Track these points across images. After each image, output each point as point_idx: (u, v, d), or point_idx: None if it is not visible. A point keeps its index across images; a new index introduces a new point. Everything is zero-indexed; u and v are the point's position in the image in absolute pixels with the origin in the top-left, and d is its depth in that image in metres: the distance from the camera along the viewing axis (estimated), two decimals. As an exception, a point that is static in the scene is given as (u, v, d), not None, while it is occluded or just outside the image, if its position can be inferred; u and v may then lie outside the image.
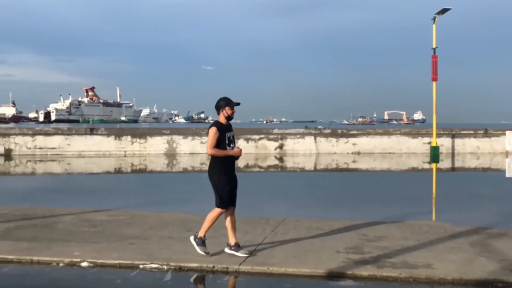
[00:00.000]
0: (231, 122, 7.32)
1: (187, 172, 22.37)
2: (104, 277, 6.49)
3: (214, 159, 7.12)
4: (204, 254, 7.04)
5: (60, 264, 6.89)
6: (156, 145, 30.09)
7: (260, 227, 9.06)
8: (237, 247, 7.18)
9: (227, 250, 7.21)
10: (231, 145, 7.13)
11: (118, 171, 23.45)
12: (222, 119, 7.16)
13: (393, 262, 6.78)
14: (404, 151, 31.01)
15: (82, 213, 10.42)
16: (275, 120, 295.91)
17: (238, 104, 7.25)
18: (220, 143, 7.03)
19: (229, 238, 7.26)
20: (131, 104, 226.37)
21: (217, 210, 7.14)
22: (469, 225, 9.29)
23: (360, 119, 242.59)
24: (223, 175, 7.08)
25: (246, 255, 7.04)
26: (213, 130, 7.01)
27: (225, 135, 7.05)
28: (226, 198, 7.12)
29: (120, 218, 9.92)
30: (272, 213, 10.65)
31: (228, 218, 7.25)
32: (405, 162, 27.31)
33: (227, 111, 7.13)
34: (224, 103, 7.15)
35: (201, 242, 7.15)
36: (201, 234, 7.18)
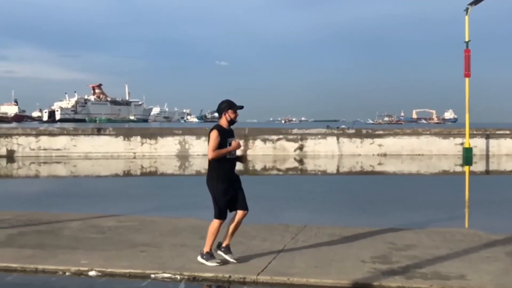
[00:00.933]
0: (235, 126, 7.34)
1: (201, 175, 22.41)
2: (113, 287, 6.53)
3: (212, 165, 7.16)
4: (217, 264, 7.04)
5: (67, 273, 6.94)
6: (167, 146, 30.22)
7: (279, 234, 9.06)
8: (227, 249, 7.27)
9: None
10: (232, 151, 7.15)
11: (127, 174, 23.60)
12: (224, 122, 7.21)
13: (424, 273, 6.73)
14: (434, 152, 30.81)
15: (89, 218, 10.50)
16: (294, 119, 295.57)
17: (241, 107, 7.30)
18: (220, 148, 7.07)
19: (224, 238, 7.31)
20: (140, 103, 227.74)
21: (216, 222, 7.17)
22: (505, 233, 9.21)
23: (386, 118, 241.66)
24: (221, 183, 7.09)
25: (235, 261, 7.12)
26: (214, 134, 7.05)
27: (226, 140, 7.10)
28: (224, 208, 7.15)
29: (129, 224, 9.97)
30: (292, 220, 10.64)
31: (234, 223, 7.28)
32: (436, 164, 27.15)
33: (229, 114, 7.18)
34: (226, 105, 7.20)
35: (209, 256, 7.16)
36: (205, 249, 7.20)
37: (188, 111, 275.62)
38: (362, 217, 11.39)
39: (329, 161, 28.35)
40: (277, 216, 11.50)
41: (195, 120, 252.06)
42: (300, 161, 28.05)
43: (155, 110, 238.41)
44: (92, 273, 6.89)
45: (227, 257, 7.19)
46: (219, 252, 7.26)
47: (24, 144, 29.77)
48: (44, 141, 29.97)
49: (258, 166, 25.97)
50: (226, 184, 7.09)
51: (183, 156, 29.59)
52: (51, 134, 30.73)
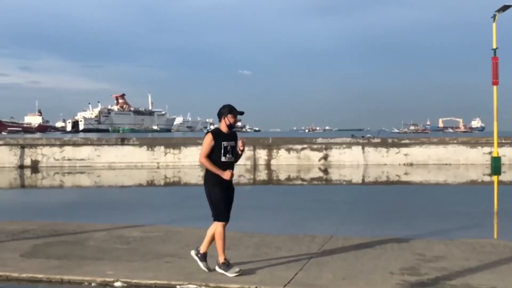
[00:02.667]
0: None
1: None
2: (139, 298, 6.57)
3: (208, 170, 7.21)
4: (235, 274, 7.03)
5: (92, 284, 7.00)
6: (191, 156, 30.30)
7: (305, 245, 9.02)
8: (204, 257, 7.35)
9: (192, 252, 7.46)
10: (227, 155, 7.19)
11: (151, 184, 23.73)
12: (223, 126, 7.28)
13: (454, 285, 6.66)
14: (461, 162, 30.51)
15: (114, 229, 10.57)
16: (318, 128, 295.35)
17: (242, 113, 7.38)
18: (214, 152, 7.13)
19: (202, 244, 7.40)
20: (163, 112, 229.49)
21: (218, 225, 7.21)
22: (538, 245, 9.06)
23: (412, 127, 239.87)
24: (216, 185, 7.14)
25: (206, 269, 7.23)
26: (208, 138, 7.15)
27: (221, 144, 7.13)
28: (223, 209, 7.19)
29: (154, 234, 10.02)
30: (317, 230, 10.59)
31: (213, 230, 7.33)
32: (463, 174, 26.86)
33: (229, 119, 7.24)
34: (227, 110, 7.28)
35: (226, 266, 7.17)
36: (221, 259, 7.22)
37: (211, 120, 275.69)
38: (389, 228, 11.28)
39: (355, 170, 28.21)
40: (303, 226, 11.46)
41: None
42: (325, 171, 27.96)
43: (178, 120, 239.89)
44: (117, 284, 6.93)
45: (201, 264, 7.31)
46: (194, 257, 7.38)
47: (48, 155, 30.10)
48: (68, 151, 30.29)
49: (283, 176, 25.95)
50: (222, 187, 7.15)
51: (206, 166, 29.67)
52: (75, 144, 31.06)
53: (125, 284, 6.91)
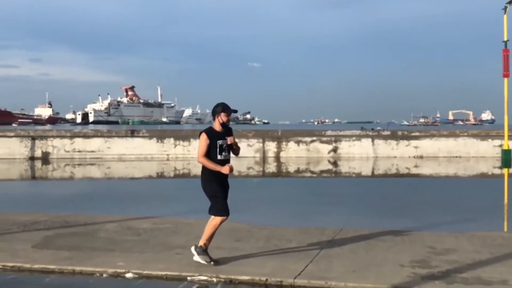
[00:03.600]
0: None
1: (233, 178, 22.47)
2: (151, 289, 6.60)
3: (205, 167, 7.31)
4: (204, 261, 7.19)
5: (104, 275, 7.03)
6: (200, 148, 30.35)
7: (315, 237, 9.02)
8: (202, 250, 7.36)
9: (192, 249, 7.42)
10: (223, 153, 7.29)
11: (161, 176, 23.80)
12: (216, 125, 7.38)
13: (464, 278, 6.65)
14: (472, 154, 30.37)
15: (124, 220, 10.61)
16: (327, 121, 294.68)
17: (235, 111, 7.51)
18: (210, 151, 7.23)
19: (201, 238, 7.42)
20: (172, 104, 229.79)
21: (218, 219, 7.27)
22: (549, 238, 9.03)
23: (422, 120, 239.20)
24: (214, 182, 7.24)
25: (206, 262, 7.20)
26: (203, 137, 7.27)
27: (216, 143, 7.24)
28: (223, 204, 7.26)
29: (164, 226, 10.05)
30: (327, 223, 10.59)
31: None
32: (473, 167, 26.76)
33: (222, 117, 7.34)
34: (220, 109, 7.39)
35: (202, 250, 7.31)
36: (201, 243, 7.36)
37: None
38: (399, 221, 11.26)
39: (364, 163, 28.16)
40: (313, 219, 11.46)
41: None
42: (334, 163, 27.92)
43: (187, 112, 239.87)
44: (129, 275, 6.96)
45: (197, 256, 7.33)
46: (193, 252, 7.40)
47: (59, 146, 30.20)
48: (79, 143, 30.38)
49: (292, 168, 25.95)
50: (218, 183, 7.25)
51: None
52: (86, 136, 31.15)
53: (136, 275, 6.95)
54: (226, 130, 7.41)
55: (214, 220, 7.28)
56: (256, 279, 6.68)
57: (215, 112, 7.40)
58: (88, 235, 9.19)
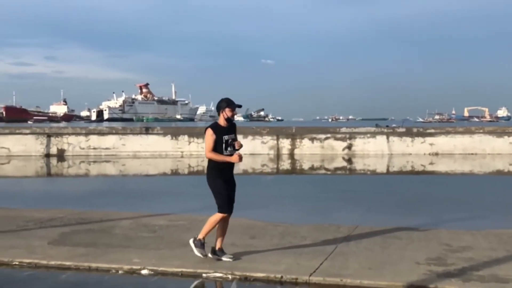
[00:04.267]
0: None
1: (248, 174, 22.48)
2: (166, 286, 6.64)
3: (210, 163, 7.41)
4: (200, 255, 7.32)
5: (119, 272, 7.08)
6: (215, 145, 30.36)
7: (330, 235, 9.01)
8: (221, 252, 7.48)
9: (209, 255, 7.46)
10: (229, 148, 7.35)
11: (175, 173, 23.86)
12: (221, 120, 7.43)
13: (481, 275, 6.61)
14: (488, 151, 30.11)
15: (139, 217, 10.66)
16: (341, 117, 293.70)
17: (239, 106, 7.56)
18: (216, 146, 7.28)
19: (201, 232, 7.52)
20: (186, 102, 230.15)
21: (218, 216, 7.39)
22: None
23: (437, 117, 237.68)
24: (219, 179, 7.33)
25: (231, 259, 7.33)
26: (209, 133, 7.31)
27: (222, 138, 7.30)
28: (226, 202, 7.36)
29: (179, 223, 10.08)
30: (342, 220, 10.57)
31: (221, 223, 7.50)
32: (489, 164, 26.55)
33: (227, 112, 7.39)
34: (224, 104, 7.43)
35: (200, 244, 7.41)
36: (200, 236, 7.46)
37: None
38: (415, 218, 11.20)
39: (379, 160, 28.05)
40: (328, 216, 11.43)
41: (241, 119, 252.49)
42: (349, 161, 27.83)
43: (201, 109, 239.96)
44: (144, 271, 7.00)
45: (224, 258, 7.40)
46: (215, 257, 7.43)
47: (74, 143, 30.33)
48: (94, 140, 30.50)
49: (306, 166, 25.90)
50: (223, 180, 7.35)
51: (230, 155, 29.69)
52: (100, 133, 31.29)
53: (152, 272, 6.98)
54: (231, 126, 7.47)
55: (215, 216, 7.40)
56: (271, 276, 6.69)
57: (219, 108, 7.45)
58: (104, 232, 9.25)
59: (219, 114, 7.46)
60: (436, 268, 6.93)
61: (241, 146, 7.43)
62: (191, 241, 7.49)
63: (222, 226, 7.55)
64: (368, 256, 7.59)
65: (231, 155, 7.35)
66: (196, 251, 7.37)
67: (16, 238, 8.75)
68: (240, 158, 7.29)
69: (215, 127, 7.37)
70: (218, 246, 7.52)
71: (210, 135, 7.28)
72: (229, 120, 7.43)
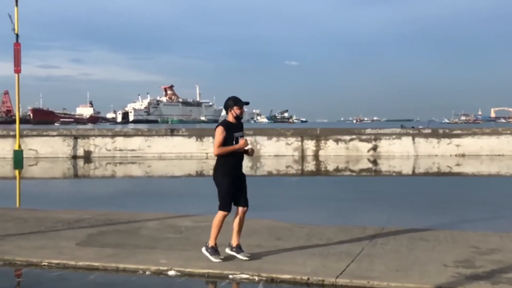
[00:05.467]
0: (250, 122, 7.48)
1: (273, 176, 22.51)
2: (193, 287, 6.65)
3: (218, 161, 7.51)
4: (217, 260, 7.31)
5: (147, 272, 7.12)
6: (239, 146, 30.37)
7: (356, 236, 8.96)
8: (238, 249, 7.52)
9: (227, 250, 7.55)
10: (238, 149, 7.43)
11: (200, 174, 23.94)
12: (230, 118, 7.54)
13: (510, 278, 6.52)
14: (515, 153, 29.72)
15: (166, 218, 10.71)
16: (366, 119, 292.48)
17: (247, 103, 7.62)
18: (227, 143, 7.37)
19: (232, 238, 7.59)
20: (211, 103, 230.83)
21: (220, 214, 7.47)
22: None
23: (463, 117, 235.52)
24: (227, 177, 7.41)
25: (247, 258, 7.36)
26: (219, 130, 7.38)
27: (232, 135, 7.40)
28: (228, 201, 7.44)
29: (205, 224, 10.08)
30: (368, 221, 10.51)
31: (237, 219, 7.58)
32: (517, 165, 26.21)
33: (235, 110, 7.49)
34: (232, 102, 7.53)
35: (213, 250, 7.45)
36: (211, 243, 7.49)
37: (257, 111, 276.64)
38: (442, 220, 11.12)
39: (405, 162, 27.85)
40: (353, 217, 11.40)
41: (265, 120, 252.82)
42: (374, 162, 27.68)
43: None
44: (171, 272, 7.03)
45: (239, 256, 7.45)
46: (231, 253, 7.53)
47: (100, 145, 30.63)
48: (120, 142, 30.77)
49: (331, 167, 25.83)
50: (231, 178, 7.42)
51: (254, 157, 29.64)
52: (126, 135, 31.55)
53: (179, 273, 7.01)
54: (239, 123, 7.58)
55: (217, 217, 7.49)
56: (298, 278, 6.67)
57: (227, 106, 7.56)
58: (131, 233, 9.31)
59: (227, 113, 7.58)
60: (464, 271, 6.85)
61: (247, 145, 7.50)
62: (204, 250, 7.52)
63: (238, 223, 7.60)
64: (395, 258, 7.53)
65: (240, 153, 7.50)
66: (212, 259, 7.37)
67: (44, 239, 8.85)
68: (246, 142, 7.42)
69: (226, 124, 7.46)
70: (235, 242, 7.57)
71: (221, 132, 7.35)
72: (238, 118, 7.53)
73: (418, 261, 7.32)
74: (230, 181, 7.42)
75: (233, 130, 7.43)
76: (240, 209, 7.59)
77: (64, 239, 8.81)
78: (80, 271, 7.28)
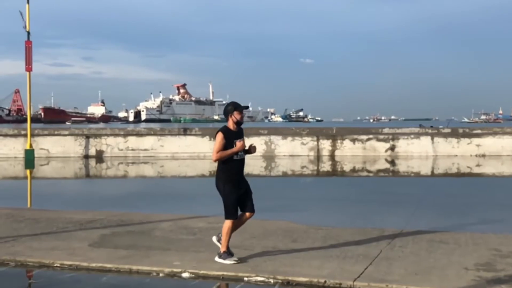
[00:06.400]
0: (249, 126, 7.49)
1: (288, 176, 22.50)
2: (207, 289, 6.67)
3: (219, 167, 7.55)
4: (234, 262, 7.35)
5: (160, 274, 7.15)
6: (254, 146, 30.33)
7: (374, 238, 8.93)
8: (227, 255, 7.52)
9: (214, 238, 7.74)
10: (239, 153, 7.48)
11: (214, 175, 23.90)
12: (231, 124, 7.56)
13: (533, 283, 6.47)
14: (538, 153, 29.46)
15: (179, 219, 10.75)
16: (383, 118, 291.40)
17: (246, 107, 7.71)
18: (226, 150, 7.40)
19: (221, 245, 7.60)
20: (224, 102, 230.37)
21: (227, 222, 7.50)
22: None
23: (483, 117, 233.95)
24: (229, 183, 7.45)
25: (234, 261, 7.39)
26: (220, 136, 7.41)
27: (233, 142, 7.43)
28: (233, 208, 7.48)
29: (219, 225, 10.04)
30: (386, 223, 10.47)
31: (239, 222, 7.67)
32: (540, 166, 26.00)
33: (235, 116, 7.53)
34: (232, 108, 7.58)
35: (227, 254, 7.48)
36: (223, 249, 7.52)
37: (272, 110, 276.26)
38: (462, 222, 11.05)
39: (423, 162, 27.72)
40: (371, 219, 11.36)
41: (280, 119, 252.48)
42: (392, 162, 27.58)
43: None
44: (185, 275, 7.06)
45: (226, 261, 7.48)
46: (216, 243, 7.66)
47: (112, 145, 30.75)
48: (132, 141, 30.88)
49: (347, 167, 25.77)
50: (233, 184, 7.48)
51: (269, 157, 29.72)
52: (139, 134, 31.66)
53: (193, 275, 7.03)
54: (240, 129, 7.61)
55: (226, 225, 7.51)
56: (314, 281, 6.67)
57: (227, 112, 7.59)
58: (144, 234, 9.36)
59: (227, 119, 7.59)
60: (486, 274, 6.81)
61: (244, 147, 7.57)
62: (217, 259, 7.51)
63: (238, 225, 7.69)
64: (414, 261, 7.50)
65: (241, 159, 7.54)
66: (227, 262, 7.38)
67: (56, 240, 8.92)
68: (243, 144, 7.46)
69: (226, 131, 7.48)
70: (223, 250, 7.58)
71: (221, 139, 7.39)
72: (239, 123, 7.57)
73: (437, 265, 7.28)
74: (233, 187, 7.47)
75: (233, 137, 7.47)
76: (247, 214, 7.65)
77: (76, 240, 8.87)
78: (93, 273, 7.33)
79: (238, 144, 7.41)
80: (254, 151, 7.71)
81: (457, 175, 22.82)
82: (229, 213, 7.49)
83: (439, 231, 9.58)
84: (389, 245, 8.48)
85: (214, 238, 7.75)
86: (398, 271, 6.99)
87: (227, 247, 7.52)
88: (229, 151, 7.39)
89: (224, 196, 7.51)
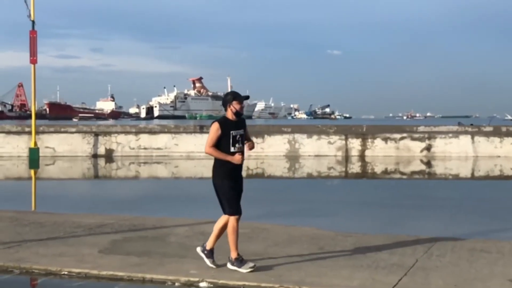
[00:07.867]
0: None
1: (313, 178, 22.47)
2: (227, 301, 6.70)
3: (216, 161, 7.57)
4: (249, 270, 7.35)
5: (176, 284, 7.18)
6: (276, 145, 30.41)
7: (408, 247, 8.90)
8: (210, 253, 7.71)
9: (198, 249, 7.80)
10: (237, 145, 7.51)
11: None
12: (229, 115, 7.59)
13: None
14: None
15: (195, 224, 10.79)
16: (418, 115, 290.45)
17: (247, 98, 7.71)
18: (222, 142, 7.44)
19: (209, 240, 7.76)
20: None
21: (231, 220, 7.54)
22: None
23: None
24: (228, 179, 7.50)
25: (215, 266, 7.56)
26: (214, 127, 7.45)
27: (229, 133, 7.43)
28: (235, 203, 7.55)
29: (239, 231, 10.12)
30: (422, 230, 10.43)
31: (223, 224, 7.68)
32: None
33: (234, 106, 7.55)
34: (231, 97, 7.62)
35: (239, 261, 7.49)
36: (233, 255, 7.54)
37: (295, 106, 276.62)
38: (506, 229, 10.99)
39: (463, 163, 27.55)
40: (405, 225, 11.33)
41: (304, 116, 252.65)
42: (428, 163, 27.45)
43: (260, 106, 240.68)
44: (203, 284, 7.08)
45: (207, 260, 7.63)
46: (200, 254, 7.71)
47: (123, 143, 30.84)
48: (144, 139, 30.96)
49: (379, 169, 25.69)
50: (232, 181, 7.54)
51: (292, 157, 29.70)
52: (152, 132, 31.74)
53: (211, 285, 7.06)
54: (240, 120, 7.63)
55: (231, 223, 7.55)
56: (345, 292, 6.66)
57: (226, 102, 7.62)
58: (158, 240, 9.40)
59: (226, 109, 7.62)
60: (532, 287, 6.77)
61: (253, 147, 7.71)
62: (229, 265, 7.54)
63: (223, 228, 7.72)
64: (453, 271, 7.47)
65: (240, 151, 7.52)
66: (243, 270, 7.39)
67: (64, 246, 8.99)
68: (242, 160, 7.49)
69: (223, 121, 7.51)
70: (210, 245, 7.70)
71: (215, 130, 7.41)
72: (238, 114, 7.58)
73: (479, 276, 7.24)
74: (232, 184, 7.54)
75: (231, 127, 7.48)
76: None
77: (85, 246, 8.93)
78: (103, 281, 7.38)
79: (237, 156, 7.42)
80: (252, 148, 7.77)
81: (500, 177, 22.65)
82: (233, 209, 7.52)
83: (480, 239, 9.53)
84: (426, 254, 8.44)
85: (199, 249, 7.79)
86: (436, 282, 6.96)
87: (238, 252, 7.54)
88: (222, 156, 7.41)
89: (224, 193, 7.55)
